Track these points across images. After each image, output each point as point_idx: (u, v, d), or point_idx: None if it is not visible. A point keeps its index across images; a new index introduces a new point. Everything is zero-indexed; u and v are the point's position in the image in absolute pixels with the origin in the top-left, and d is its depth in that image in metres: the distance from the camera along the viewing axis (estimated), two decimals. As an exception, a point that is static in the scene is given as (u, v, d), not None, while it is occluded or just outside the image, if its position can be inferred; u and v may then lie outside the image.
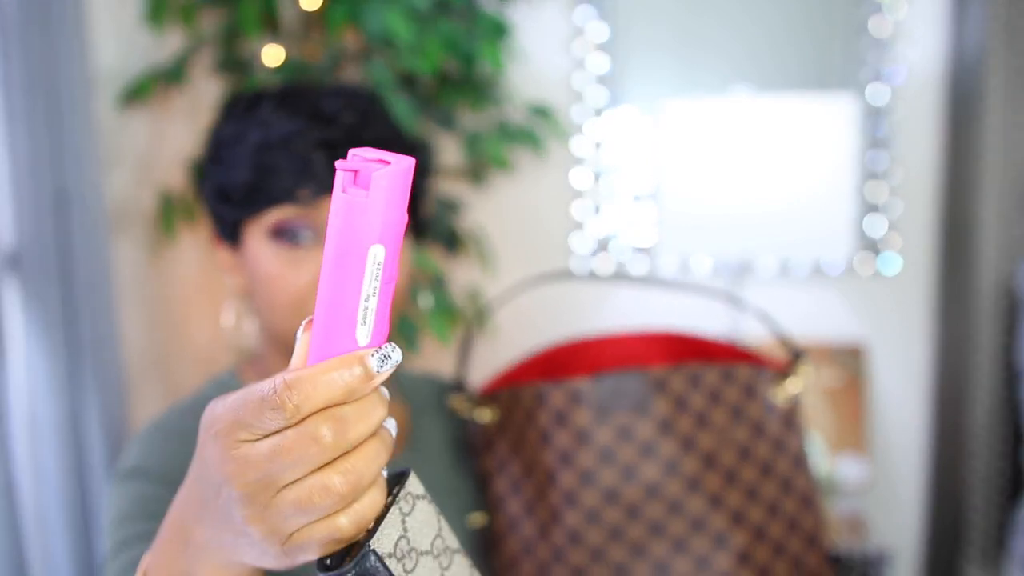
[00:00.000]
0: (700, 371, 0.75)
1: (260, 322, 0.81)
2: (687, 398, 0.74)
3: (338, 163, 0.39)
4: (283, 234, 0.74)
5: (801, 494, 0.76)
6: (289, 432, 0.38)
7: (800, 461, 0.77)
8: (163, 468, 0.74)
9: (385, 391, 0.43)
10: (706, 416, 0.74)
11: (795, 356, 0.78)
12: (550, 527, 0.75)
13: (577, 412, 0.73)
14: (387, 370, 0.40)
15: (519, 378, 0.82)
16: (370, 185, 0.38)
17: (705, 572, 0.72)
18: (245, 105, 0.78)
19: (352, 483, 0.39)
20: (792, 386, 0.77)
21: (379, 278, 0.39)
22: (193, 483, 0.44)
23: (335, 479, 0.39)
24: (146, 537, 0.69)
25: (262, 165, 0.73)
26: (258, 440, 0.39)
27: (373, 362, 0.40)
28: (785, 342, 0.80)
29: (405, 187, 0.39)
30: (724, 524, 0.73)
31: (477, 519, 0.82)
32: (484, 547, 0.82)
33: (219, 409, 0.41)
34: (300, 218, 0.74)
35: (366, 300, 0.39)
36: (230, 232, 0.79)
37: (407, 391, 0.93)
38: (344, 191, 0.38)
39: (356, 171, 0.38)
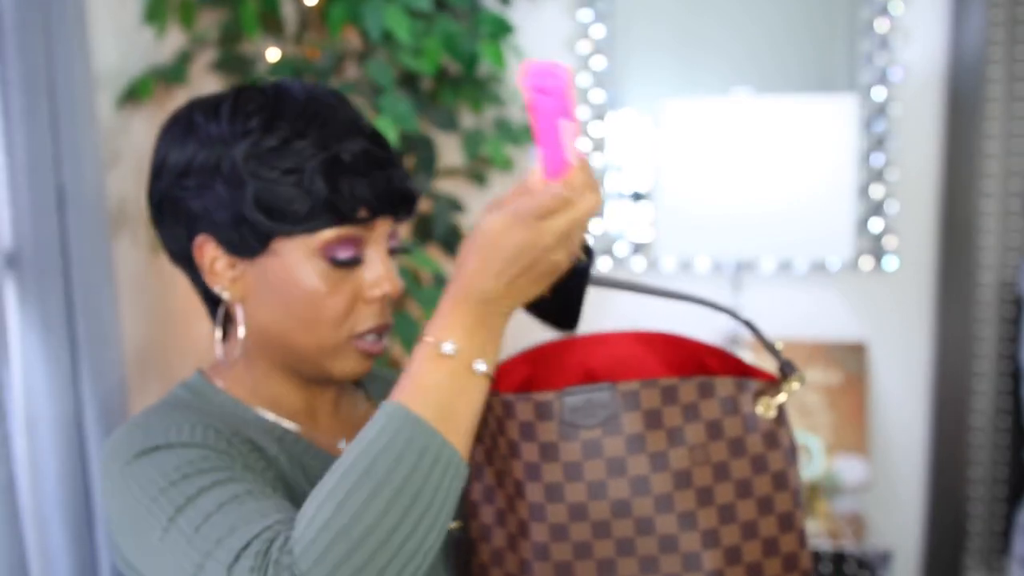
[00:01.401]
0: (675, 385, 0.72)
1: (271, 332, 0.79)
2: (660, 414, 0.71)
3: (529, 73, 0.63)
4: (338, 254, 0.74)
5: (780, 515, 0.73)
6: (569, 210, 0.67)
7: (781, 480, 0.74)
8: (190, 437, 0.71)
9: None
10: (680, 433, 0.72)
11: (783, 369, 0.75)
12: (518, 540, 0.74)
13: (543, 426, 0.71)
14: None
15: (495, 384, 0.80)
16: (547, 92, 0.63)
17: None
18: (266, 112, 0.75)
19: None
20: (778, 400, 0.74)
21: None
22: (483, 264, 0.65)
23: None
24: (222, 483, 0.66)
25: (330, 184, 0.73)
26: (549, 219, 0.65)
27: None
28: (775, 353, 0.76)
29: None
30: (696, 545, 0.70)
31: (454, 524, 0.82)
32: (462, 552, 0.81)
33: (506, 216, 0.65)
34: (353, 238, 0.75)
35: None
36: (250, 243, 0.76)
37: (379, 389, 0.94)
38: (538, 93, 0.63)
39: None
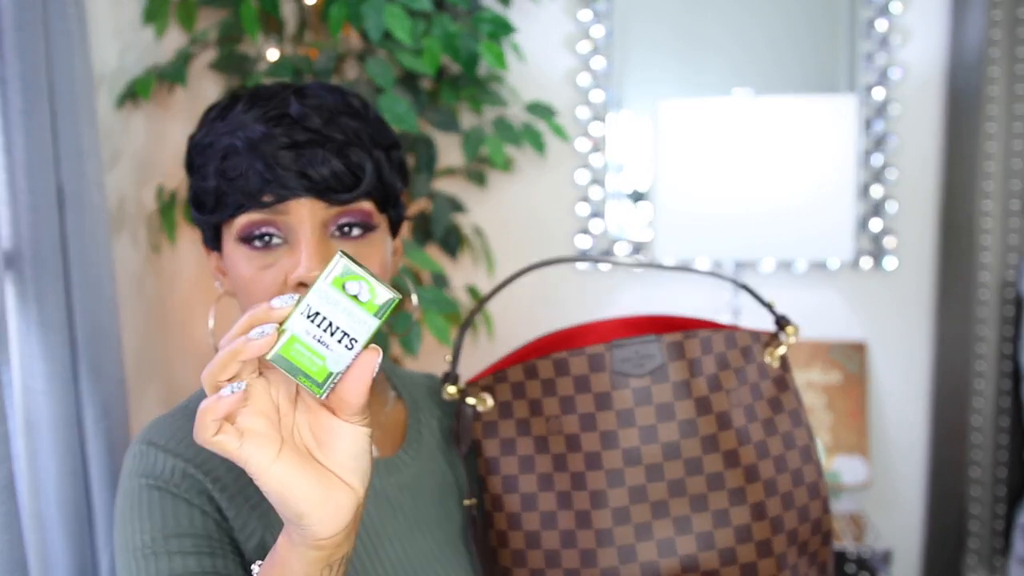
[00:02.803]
0: (709, 336, 0.78)
1: None
2: (700, 362, 0.78)
3: None
4: (251, 238, 0.75)
5: (801, 448, 0.81)
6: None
7: (797, 418, 0.82)
8: (169, 479, 0.75)
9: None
10: (717, 379, 0.78)
11: (779, 322, 0.83)
12: (572, 495, 0.77)
13: (596, 377, 0.77)
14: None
15: (525, 358, 0.84)
16: None
17: (724, 527, 0.76)
18: (218, 111, 0.78)
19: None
20: (781, 349, 0.82)
21: None
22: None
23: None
24: (189, 554, 0.72)
25: (226, 171, 0.74)
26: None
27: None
28: (770, 309, 0.84)
29: None
30: (740, 481, 0.76)
31: (468, 501, 0.83)
32: (491, 542, 0.82)
33: None
34: (265, 222, 0.74)
35: None
36: (212, 238, 0.80)
37: (405, 390, 0.94)
38: None
39: None
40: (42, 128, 1.31)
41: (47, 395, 1.33)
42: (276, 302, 0.54)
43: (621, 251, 2.08)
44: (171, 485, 0.74)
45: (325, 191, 0.73)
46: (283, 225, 0.74)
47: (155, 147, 1.87)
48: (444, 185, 2.01)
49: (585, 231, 2.06)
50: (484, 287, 1.98)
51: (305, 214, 0.74)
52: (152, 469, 0.75)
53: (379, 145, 0.78)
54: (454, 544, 0.84)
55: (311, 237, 0.74)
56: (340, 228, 0.76)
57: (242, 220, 0.74)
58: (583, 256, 0.78)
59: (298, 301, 0.55)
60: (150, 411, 1.81)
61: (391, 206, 0.80)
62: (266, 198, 0.73)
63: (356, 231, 0.76)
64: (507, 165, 1.91)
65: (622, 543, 0.75)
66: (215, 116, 0.78)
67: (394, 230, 0.84)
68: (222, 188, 0.74)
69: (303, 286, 0.73)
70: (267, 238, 0.74)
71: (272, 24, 1.81)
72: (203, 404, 0.54)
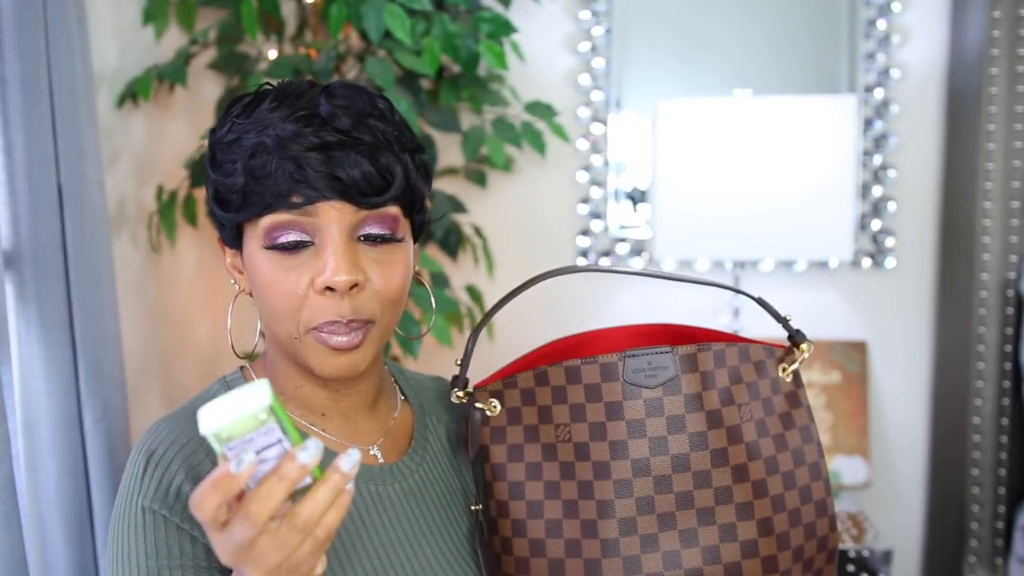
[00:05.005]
0: (723, 349, 0.78)
1: (262, 324, 0.80)
2: (713, 375, 0.77)
3: None
4: (277, 239, 0.73)
5: (811, 465, 0.81)
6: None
7: (808, 434, 0.81)
8: (163, 500, 0.74)
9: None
10: (729, 393, 0.77)
11: (793, 337, 0.82)
12: (578, 503, 0.77)
13: (608, 387, 0.76)
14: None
15: (535, 364, 0.83)
16: None
17: (730, 542, 0.75)
18: (243, 107, 0.77)
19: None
20: (793, 364, 0.81)
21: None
22: None
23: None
24: None
25: (254, 169, 0.72)
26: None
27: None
28: (785, 324, 0.83)
29: None
30: (748, 496, 0.76)
31: (476, 506, 0.83)
32: (496, 549, 0.82)
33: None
34: (293, 223, 0.73)
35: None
36: (233, 236, 0.78)
37: (413, 393, 0.93)
38: None
39: None
40: (42, 128, 1.31)
41: (47, 395, 1.33)
42: (304, 457, 0.59)
43: (621, 251, 2.07)
44: (164, 508, 0.73)
45: (355, 194, 0.72)
46: (310, 227, 0.73)
47: (155, 147, 1.87)
48: (444, 185, 2.01)
49: (585, 231, 2.06)
50: (484, 287, 1.98)
51: (334, 217, 0.73)
52: (148, 488, 0.74)
53: (405, 148, 0.77)
54: (458, 551, 0.84)
55: (339, 241, 0.73)
56: (369, 237, 0.75)
57: (268, 220, 0.73)
58: (599, 267, 0.77)
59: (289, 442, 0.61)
60: (150, 411, 1.81)
61: (416, 211, 0.80)
62: (295, 199, 0.72)
63: (384, 237, 0.76)
64: (507, 165, 1.91)
65: (627, 554, 0.75)
66: (239, 112, 0.76)
67: (416, 235, 0.83)
68: (250, 186, 0.73)
69: (330, 290, 0.73)
70: (293, 240, 0.73)
71: (272, 24, 1.81)
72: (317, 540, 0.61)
